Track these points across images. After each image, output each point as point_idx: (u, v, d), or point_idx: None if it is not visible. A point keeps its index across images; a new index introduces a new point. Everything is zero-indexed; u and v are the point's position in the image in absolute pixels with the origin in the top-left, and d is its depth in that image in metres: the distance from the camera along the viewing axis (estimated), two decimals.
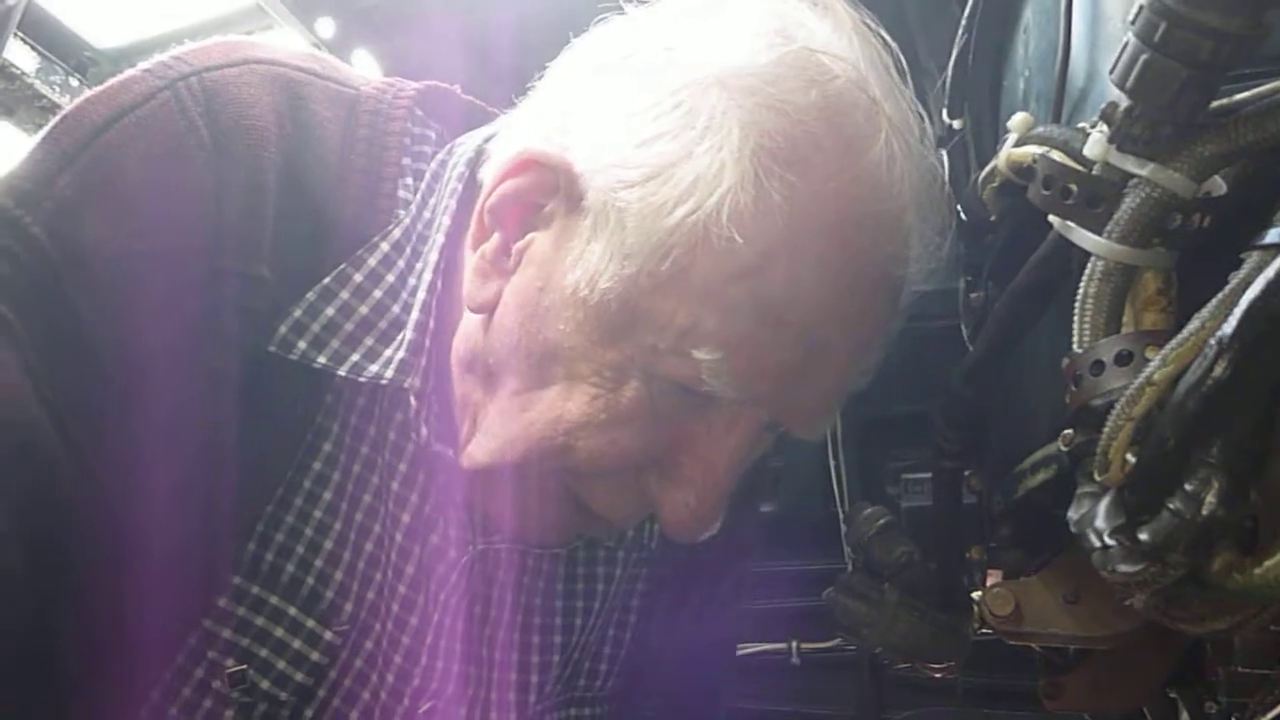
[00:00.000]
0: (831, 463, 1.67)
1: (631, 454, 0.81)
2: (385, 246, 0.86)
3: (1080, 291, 0.62)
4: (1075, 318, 0.62)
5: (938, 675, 0.85)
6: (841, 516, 1.70)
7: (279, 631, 0.86)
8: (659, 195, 0.76)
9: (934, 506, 0.84)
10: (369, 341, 0.85)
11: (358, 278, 0.85)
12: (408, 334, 0.85)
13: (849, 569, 0.85)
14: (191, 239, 0.78)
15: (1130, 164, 0.59)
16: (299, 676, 0.87)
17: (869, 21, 0.85)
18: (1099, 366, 0.60)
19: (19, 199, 0.76)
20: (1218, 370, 0.51)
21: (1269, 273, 0.51)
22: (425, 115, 0.93)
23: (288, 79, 0.86)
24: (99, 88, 0.82)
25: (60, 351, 0.74)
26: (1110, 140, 0.60)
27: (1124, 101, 0.58)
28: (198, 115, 0.80)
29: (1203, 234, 0.60)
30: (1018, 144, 0.70)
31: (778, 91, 0.77)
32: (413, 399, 0.85)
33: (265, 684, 0.86)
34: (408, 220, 0.88)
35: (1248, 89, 0.58)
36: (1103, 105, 0.61)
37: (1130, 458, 0.56)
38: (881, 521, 0.84)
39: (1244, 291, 0.51)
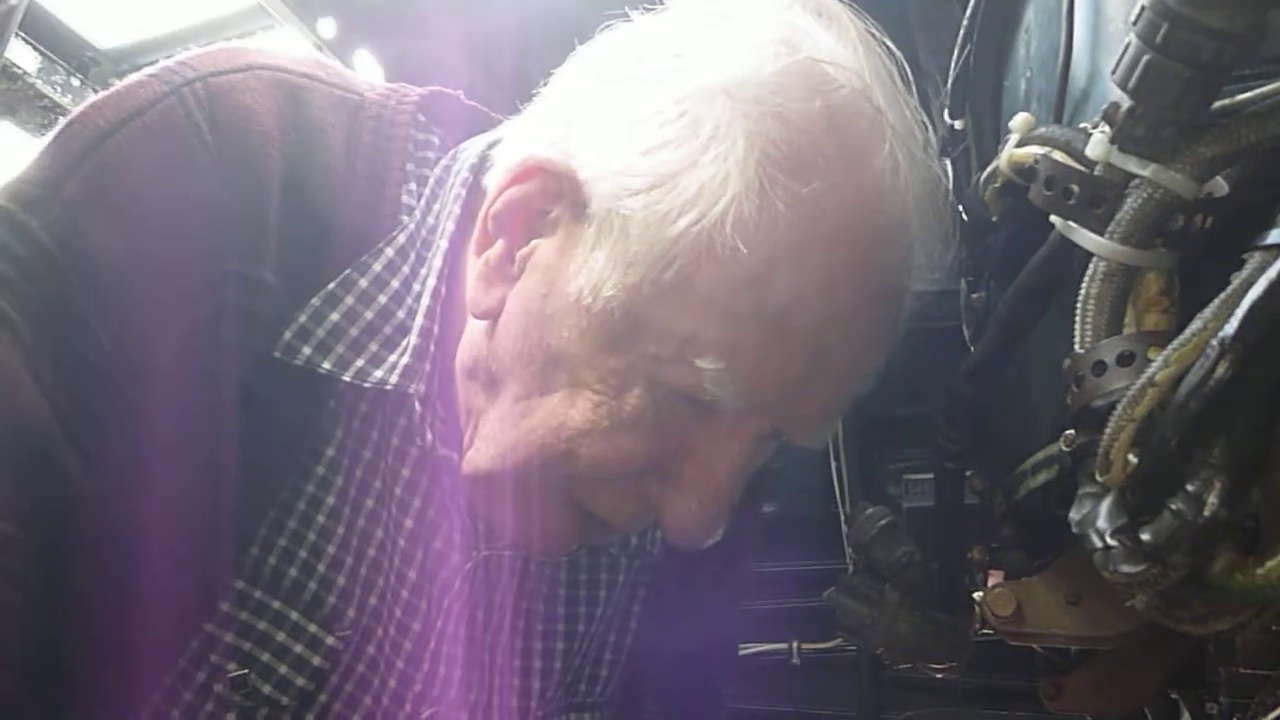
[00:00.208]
0: (833, 463, 1.67)
1: (634, 461, 0.81)
2: (390, 252, 0.86)
3: (1082, 292, 0.62)
4: (1077, 318, 0.62)
5: (939, 676, 0.85)
6: (842, 517, 1.70)
7: (281, 636, 0.86)
8: (663, 204, 0.76)
9: (935, 507, 0.84)
10: (374, 347, 0.85)
11: (363, 283, 0.85)
12: (412, 339, 0.85)
13: (850, 569, 0.85)
14: (197, 244, 0.79)
15: (1132, 164, 0.59)
16: (301, 681, 0.86)
17: (874, 31, 0.85)
18: (1101, 367, 0.60)
19: (25, 204, 0.76)
20: (1219, 371, 0.51)
21: (1271, 273, 0.51)
22: (428, 121, 0.93)
23: (291, 84, 0.86)
24: (104, 93, 0.82)
25: (65, 355, 0.75)
26: (1112, 141, 0.60)
27: (1126, 102, 0.58)
28: (202, 120, 0.80)
29: (1205, 235, 0.60)
30: (1019, 144, 0.70)
31: (783, 101, 0.76)
32: (417, 404, 0.84)
33: (267, 689, 0.86)
34: (412, 226, 0.88)
35: (1249, 90, 0.58)
36: (1104, 106, 0.61)
37: (1132, 458, 0.57)
38: (883, 522, 0.84)
39: (1246, 292, 0.51)
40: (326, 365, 0.83)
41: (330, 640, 0.87)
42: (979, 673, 1.52)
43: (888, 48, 0.85)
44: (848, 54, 0.81)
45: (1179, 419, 0.53)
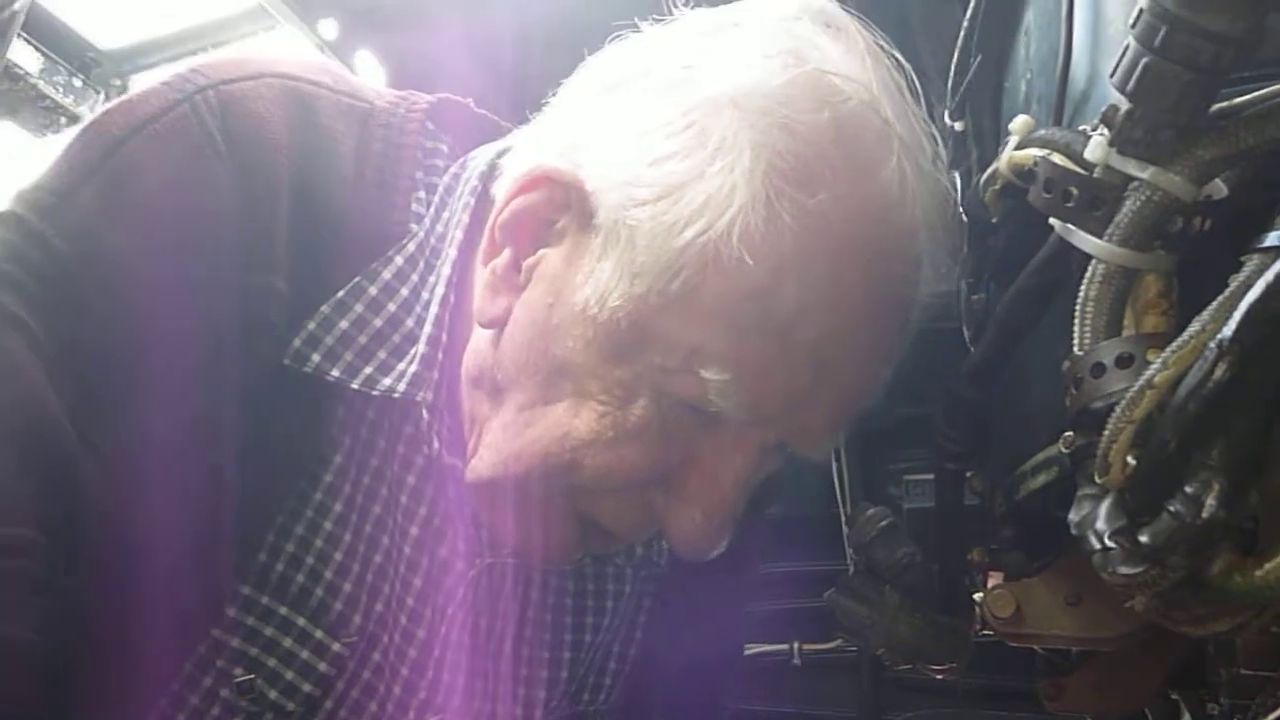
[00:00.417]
0: (834, 464, 1.67)
1: (639, 471, 0.81)
2: (399, 260, 0.86)
3: (1081, 294, 0.62)
4: (1076, 320, 0.62)
5: (939, 677, 0.85)
6: (843, 518, 1.70)
7: (287, 642, 0.86)
8: (670, 214, 0.76)
9: (936, 508, 0.84)
10: (382, 355, 0.85)
11: (372, 291, 0.85)
12: (420, 348, 0.85)
13: (851, 570, 0.85)
14: (210, 251, 0.79)
15: (1131, 167, 0.59)
16: (307, 687, 0.87)
17: (882, 43, 0.85)
18: (1100, 369, 0.60)
19: (41, 212, 0.76)
20: (1218, 373, 0.51)
21: (1269, 275, 0.51)
22: (437, 128, 0.93)
23: (302, 92, 0.87)
24: (117, 100, 0.83)
25: (81, 361, 0.75)
26: (1111, 143, 0.60)
27: (1124, 105, 0.58)
28: (215, 128, 0.81)
29: (1203, 237, 0.60)
30: (1019, 146, 0.70)
31: (790, 113, 0.77)
32: (425, 412, 0.85)
33: (273, 694, 0.86)
34: (421, 234, 0.88)
35: (1248, 92, 0.58)
36: (1104, 108, 0.61)
37: (1131, 460, 0.57)
38: (883, 523, 0.84)
39: (1244, 294, 0.51)
40: (335, 373, 0.83)
41: (336, 646, 0.87)
42: (980, 673, 1.52)
43: (896, 59, 0.85)
44: (855, 66, 0.81)
45: (1177, 421, 0.53)
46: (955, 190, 0.86)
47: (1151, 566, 0.54)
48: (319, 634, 0.87)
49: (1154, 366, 0.55)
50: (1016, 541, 0.81)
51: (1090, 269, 0.61)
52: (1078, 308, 0.62)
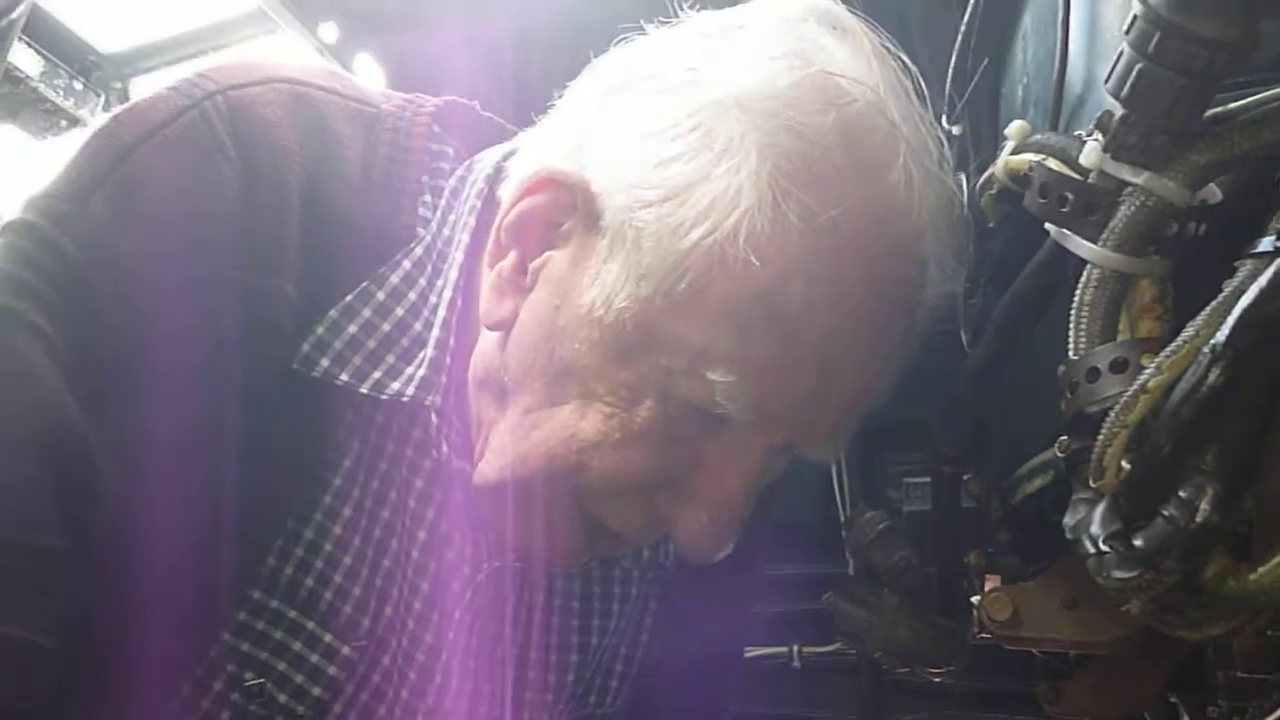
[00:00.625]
0: (833, 466, 1.67)
1: (645, 473, 0.81)
2: (407, 264, 0.86)
3: (1076, 299, 0.62)
4: (1071, 325, 0.62)
5: (937, 680, 0.85)
6: (843, 520, 1.69)
7: (297, 645, 0.85)
8: (676, 216, 0.76)
9: (933, 511, 0.84)
10: (391, 359, 0.85)
11: (380, 295, 0.85)
12: (429, 351, 0.85)
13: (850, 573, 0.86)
14: (222, 257, 0.79)
15: (1125, 172, 0.59)
16: (316, 690, 0.86)
17: (888, 45, 0.84)
18: (1094, 374, 0.61)
19: (54, 219, 0.76)
20: (1211, 378, 0.52)
21: (1262, 280, 0.51)
22: (443, 132, 0.93)
23: (310, 98, 0.87)
24: (125, 106, 0.83)
25: (96, 368, 0.75)
26: (1105, 149, 0.60)
27: (1119, 110, 0.59)
28: (225, 134, 0.81)
29: (1198, 242, 0.60)
30: (1015, 151, 0.71)
31: (796, 114, 0.76)
32: (433, 417, 0.84)
33: (283, 698, 0.86)
34: (428, 237, 0.88)
35: (1243, 97, 0.59)
36: (1099, 113, 0.61)
37: (1125, 464, 0.57)
38: (881, 526, 0.84)
39: (1237, 299, 0.52)
40: (344, 377, 0.83)
41: (345, 650, 0.87)
42: (979, 676, 1.52)
43: (902, 61, 0.84)
44: (862, 67, 0.81)
45: (1171, 425, 0.53)
46: (961, 192, 0.85)
47: (1146, 571, 0.54)
48: (328, 637, 0.86)
49: (1148, 371, 0.55)
50: (1013, 545, 0.81)
51: (1085, 274, 0.62)
52: (1073, 312, 0.62)
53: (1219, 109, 0.58)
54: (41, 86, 2.08)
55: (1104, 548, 0.56)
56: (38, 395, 0.73)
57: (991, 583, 0.82)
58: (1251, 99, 0.58)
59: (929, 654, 0.82)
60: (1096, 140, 0.61)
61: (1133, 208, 0.59)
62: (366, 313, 0.84)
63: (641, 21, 0.87)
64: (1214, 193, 0.60)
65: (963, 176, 0.88)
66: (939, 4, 1.19)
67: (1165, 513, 0.54)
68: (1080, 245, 0.62)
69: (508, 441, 0.83)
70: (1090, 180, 0.62)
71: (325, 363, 0.82)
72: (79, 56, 2.15)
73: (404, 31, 1.79)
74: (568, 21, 1.56)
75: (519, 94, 0.92)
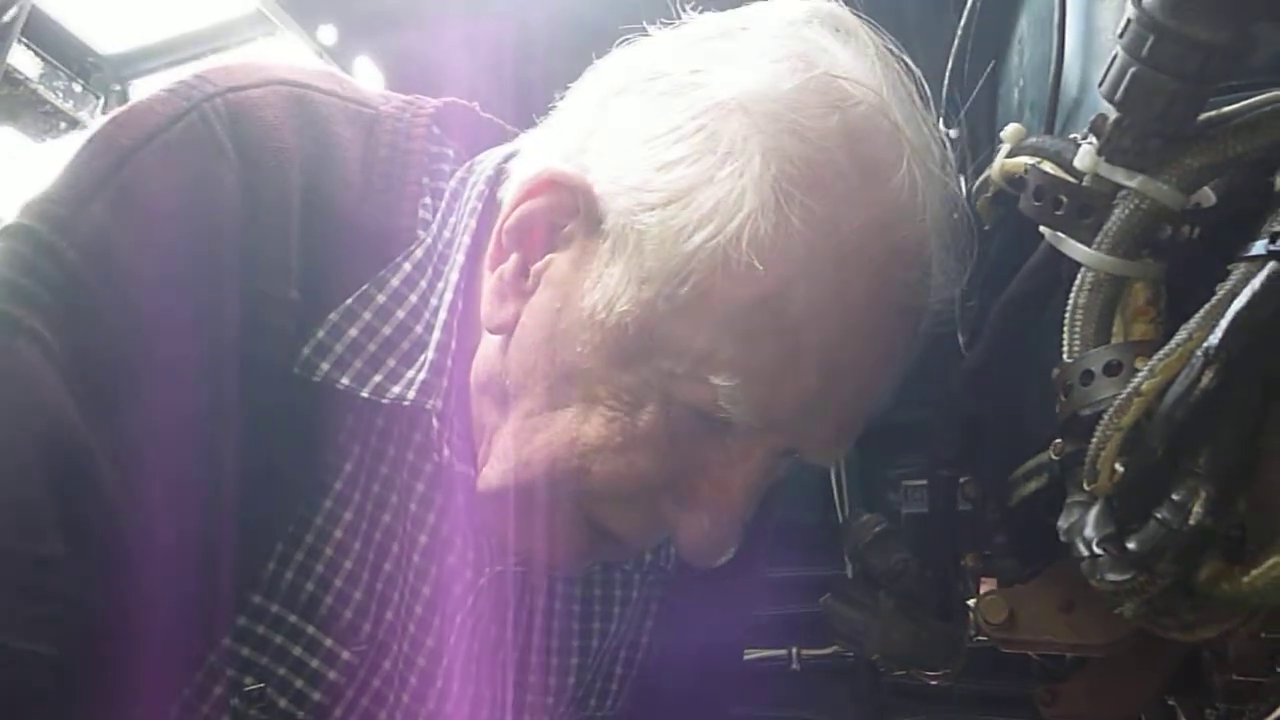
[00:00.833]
0: (832, 468, 1.67)
1: (648, 477, 0.81)
2: (408, 267, 0.86)
3: (1070, 302, 0.62)
4: (1065, 328, 0.62)
5: (934, 682, 0.85)
6: (841, 522, 1.69)
7: (297, 650, 0.85)
8: (679, 219, 0.76)
9: (929, 513, 0.84)
10: (391, 362, 0.84)
11: (380, 298, 0.85)
12: (429, 355, 0.84)
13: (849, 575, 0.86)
14: (222, 262, 0.79)
15: (1120, 175, 0.60)
16: (316, 695, 0.86)
17: (891, 47, 0.84)
18: (1088, 376, 0.61)
19: (53, 225, 0.75)
20: (1204, 381, 0.52)
21: (1255, 284, 0.51)
22: (442, 133, 0.92)
23: (309, 100, 0.86)
24: (124, 109, 0.82)
25: (96, 372, 0.75)
26: (1100, 152, 0.60)
27: (1113, 114, 0.59)
28: (225, 137, 0.80)
29: (1192, 245, 0.60)
30: (1010, 154, 0.71)
31: (799, 117, 0.76)
32: (435, 421, 0.84)
33: (283, 702, 0.85)
34: (429, 240, 0.87)
35: (1236, 101, 0.59)
36: (1094, 116, 0.61)
37: (1119, 467, 0.57)
38: (878, 529, 0.84)
39: (1231, 303, 0.52)
40: (345, 381, 0.82)
41: (346, 655, 0.87)
42: (977, 678, 1.52)
43: (905, 64, 0.84)
44: (865, 70, 0.81)
45: (1165, 428, 0.54)
46: (964, 194, 0.85)
47: (1139, 573, 0.55)
48: (329, 642, 0.86)
49: (1141, 374, 0.55)
50: (1009, 548, 0.81)
51: (1079, 276, 0.62)
52: (1067, 315, 0.62)
53: (1213, 112, 0.58)
54: (41, 88, 2.08)
55: (1098, 551, 0.56)
56: (37, 401, 0.72)
57: (988, 585, 0.82)
58: (1245, 102, 0.58)
59: (925, 657, 0.82)
60: (1091, 143, 0.61)
61: (1127, 211, 0.59)
62: (367, 316, 0.84)
63: (644, 23, 0.87)
64: (1208, 196, 0.60)
65: (962, 179, 0.88)
66: (936, 7, 1.19)
67: (1159, 516, 0.54)
68: (1074, 248, 0.62)
69: (510, 446, 0.83)
70: (1085, 183, 0.62)
71: (326, 366, 0.82)
72: (78, 58, 2.15)
73: (404, 33, 1.79)
74: (569, 23, 1.56)
75: (520, 96, 0.92)
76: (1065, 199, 0.62)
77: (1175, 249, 0.60)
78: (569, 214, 0.82)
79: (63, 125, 2.11)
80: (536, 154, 0.87)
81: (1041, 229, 0.65)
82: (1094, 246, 0.61)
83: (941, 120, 0.91)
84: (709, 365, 0.76)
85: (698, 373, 0.77)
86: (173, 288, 0.77)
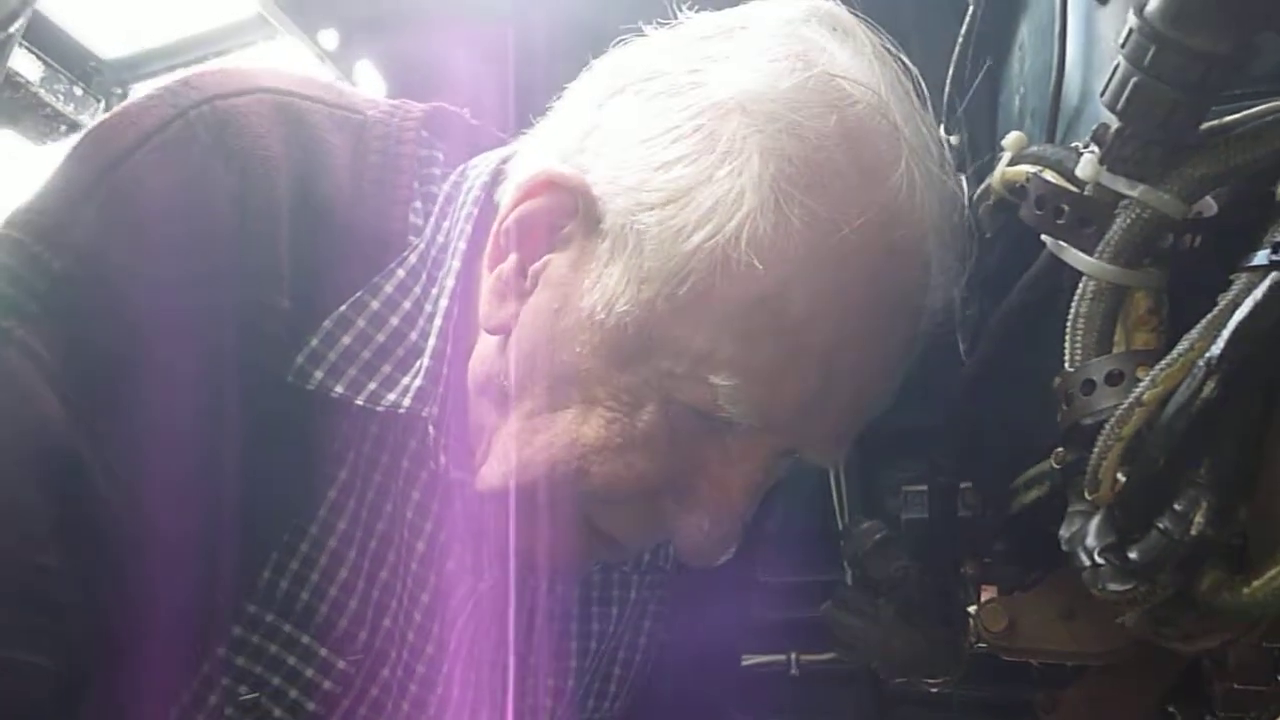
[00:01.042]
0: (831, 474, 1.67)
1: (648, 478, 0.80)
2: (401, 272, 0.86)
3: (1072, 311, 0.62)
4: (1067, 337, 0.62)
5: (934, 689, 0.85)
6: (841, 528, 1.69)
7: (292, 660, 0.85)
8: (678, 219, 0.76)
9: (929, 520, 0.84)
10: (386, 369, 0.84)
11: (374, 305, 0.84)
12: (425, 361, 0.84)
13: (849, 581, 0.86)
14: (212, 271, 0.78)
15: (1121, 185, 0.60)
16: (311, 705, 0.86)
17: (890, 47, 0.84)
18: (1090, 386, 0.61)
19: (39, 235, 0.75)
20: (1206, 391, 0.52)
21: (1257, 294, 0.51)
22: (431, 137, 0.92)
23: (295, 108, 0.86)
24: (109, 116, 0.81)
25: (88, 383, 0.74)
26: (1101, 161, 0.60)
27: (1115, 123, 0.59)
28: (213, 145, 0.80)
29: (1193, 254, 0.60)
30: (1011, 163, 0.71)
31: (798, 117, 0.76)
32: (431, 428, 0.84)
33: (277, 712, 0.85)
34: (422, 245, 0.87)
35: (1238, 110, 0.59)
36: (1095, 125, 0.61)
37: (1120, 477, 0.57)
38: (878, 536, 0.84)
39: (1232, 313, 0.52)
40: (339, 389, 0.82)
41: (341, 664, 0.86)
42: (977, 685, 1.52)
43: (904, 63, 0.84)
44: (864, 69, 0.81)
45: (1166, 438, 0.54)
46: (963, 194, 0.85)
47: (1141, 583, 0.55)
48: (324, 651, 0.86)
49: (1143, 384, 0.55)
50: (1010, 555, 0.81)
51: (1081, 286, 0.62)
52: (1069, 324, 0.62)
53: (1215, 122, 0.58)
54: (42, 92, 2.08)
55: (1099, 560, 0.56)
56: (29, 413, 0.72)
57: (988, 593, 0.82)
58: (1247, 112, 0.58)
59: (924, 664, 0.82)
60: (1093, 153, 0.61)
61: (1128, 220, 0.59)
62: (361, 323, 0.84)
63: (641, 23, 0.87)
64: (1209, 205, 0.60)
65: (962, 177, 0.88)
66: (937, 12, 1.20)
67: (1160, 525, 0.54)
68: (1076, 257, 0.62)
69: (510, 447, 0.82)
70: (1086, 192, 0.62)
71: (320, 375, 0.82)
72: (79, 62, 2.15)
73: (405, 38, 1.79)
74: (571, 26, 1.56)
75: (522, 101, 0.92)
76: (1067, 208, 0.62)
77: (1177, 258, 0.60)
78: (567, 214, 0.82)
79: (64, 129, 2.11)
80: (534, 155, 0.87)
81: (1043, 238, 0.65)
82: (1096, 255, 0.61)
83: (942, 126, 0.91)
84: (708, 365, 0.76)
85: (697, 373, 0.77)
86: (165, 295, 0.77)
